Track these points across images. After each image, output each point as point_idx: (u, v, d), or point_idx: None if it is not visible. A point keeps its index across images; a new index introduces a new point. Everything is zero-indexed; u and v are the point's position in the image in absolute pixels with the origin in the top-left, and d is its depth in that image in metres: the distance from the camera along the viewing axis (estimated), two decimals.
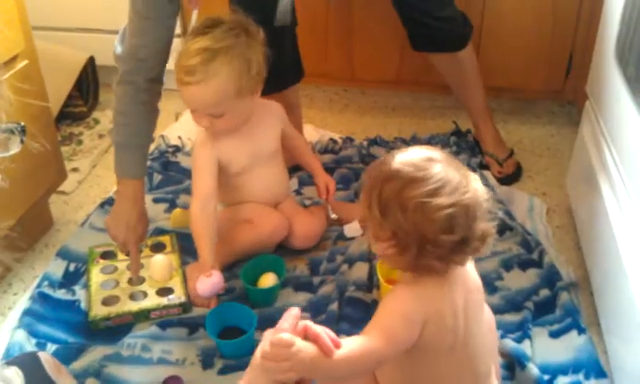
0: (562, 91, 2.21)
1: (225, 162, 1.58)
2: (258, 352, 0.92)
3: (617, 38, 1.48)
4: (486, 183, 1.90)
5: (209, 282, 1.45)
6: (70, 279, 1.61)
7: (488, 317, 1.14)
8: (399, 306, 0.98)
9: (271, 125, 1.63)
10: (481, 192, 0.98)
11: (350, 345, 0.94)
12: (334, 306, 1.48)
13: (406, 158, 0.99)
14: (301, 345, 0.89)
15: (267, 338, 0.91)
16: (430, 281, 1.00)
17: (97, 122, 2.32)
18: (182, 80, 1.45)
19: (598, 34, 1.66)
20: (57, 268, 1.64)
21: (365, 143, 2.13)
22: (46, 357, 1.17)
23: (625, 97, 1.39)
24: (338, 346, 0.92)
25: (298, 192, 1.91)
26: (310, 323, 0.92)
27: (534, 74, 2.16)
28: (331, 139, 2.16)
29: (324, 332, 0.92)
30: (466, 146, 2.08)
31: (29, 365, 1.13)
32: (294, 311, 0.94)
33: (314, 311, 1.50)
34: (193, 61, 1.42)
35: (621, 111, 1.42)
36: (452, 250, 0.96)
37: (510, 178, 1.98)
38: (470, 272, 1.07)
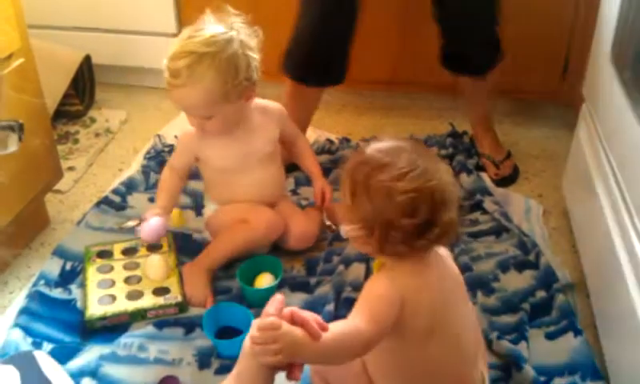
0: (558, 93, 2.21)
1: (208, 158, 1.60)
2: (246, 339, 0.94)
3: (613, 41, 1.49)
4: (482, 185, 1.91)
5: (147, 226, 1.51)
6: (67, 278, 1.61)
7: (470, 306, 1.16)
8: (376, 289, 1.03)
9: (267, 128, 1.63)
10: (448, 182, 1.02)
11: (337, 328, 0.96)
12: (331, 307, 1.48)
13: (378, 146, 1.05)
14: (287, 327, 0.91)
15: (255, 325, 0.93)
16: (405, 266, 1.04)
17: (93, 120, 2.32)
18: (168, 82, 1.46)
19: (594, 36, 1.67)
20: (53, 267, 1.63)
21: (362, 144, 2.13)
22: (41, 356, 1.17)
23: (621, 100, 1.39)
24: (325, 328, 0.94)
25: (294, 192, 1.91)
26: (296, 309, 0.94)
27: (530, 76, 2.16)
28: (328, 139, 2.16)
29: (310, 316, 0.94)
30: (462, 148, 2.09)
31: (25, 364, 1.13)
32: (279, 297, 0.97)
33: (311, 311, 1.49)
34: (179, 64, 1.43)
35: (617, 114, 1.42)
36: (414, 234, 1.00)
37: (507, 180, 1.98)
38: (446, 259, 1.11)
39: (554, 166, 2.05)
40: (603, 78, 1.54)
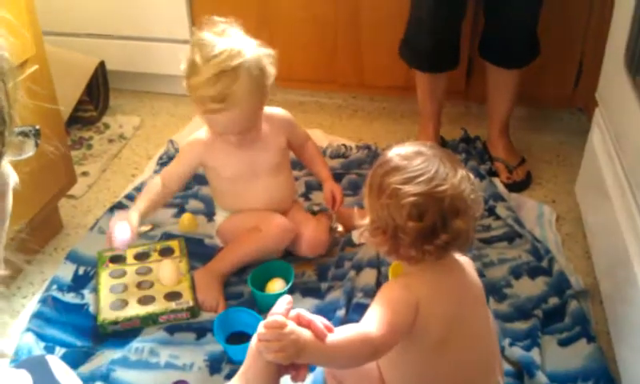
0: (571, 98, 2.20)
1: (215, 167, 1.60)
2: (253, 338, 0.95)
3: (626, 45, 1.47)
4: (495, 190, 1.90)
5: (119, 233, 1.48)
6: (79, 283, 1.62)
7: (488, 316, 1.16)
8: (392, 294, 1.03)
9: (274, 138, 1.62)
10: (463, 189, 1.01)
11: (346, 331, 0.97)
12: (342, 312, 1.47)
13: (398, 150, 1.06)
14: (293, 327, 0.92)
15: (262, 323, 0.95)
16: (421, 273, 1.05)
17: (107, 126, 2.33)
18: (211, 109, 1.43)
19: (607, 41, 1.66)
20: (66, 271, 1.64)
21: (379, 149, 2.11)
22: (54, 360, 1.17)
23: (634, 104, 1.38)
24: (330, 331, 0.95)
25: (306, 197, 1.91)
26: (302, 310, 0.95)
27: (543, 81, 2.15)
28: (343, 144, 2.15)
29: (316, 318, 0.95)
30: (475, 153, 2.08)
31: (37, 368, 1.13)
32: (287, 298, 0.98)
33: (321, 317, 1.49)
34: (217, 87, 1.40)
35: (630, 119, 1.41)
36: (419, 238, 1.00)
37: (520, 185, 1.97)
38: (466, 267, 1.10)
39: (567, 171, 2.03)
40: (616, 82, 1.53)
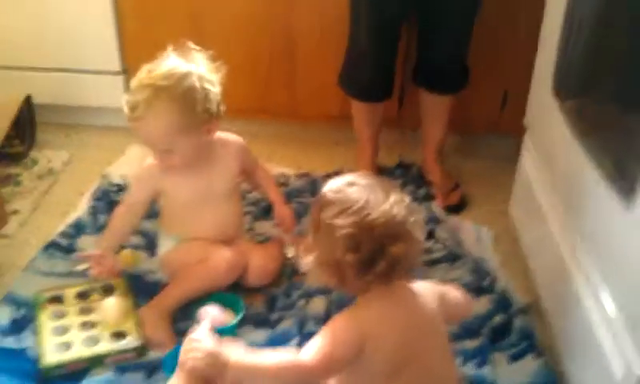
0: (498, 124, 2.29)
1: (169, 192, 1.60)
2: None
3: (554, 71, 1.54)
4: (433, 214, 1.95)
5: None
6: (18, 326, 1.53)
7: (444, 338, 1.17)
8: (334, 326, 1.05)
9: (227, 165, 1.63)
10: (395, 214, 1.02)
11: (278, 356, 1.02)
12: (295, 342, 1.47)
13: (332, 184, 1.08)
14: (210, 341, 1.01)
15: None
16: (370, 303, 1.06)
17: (35, 162, 2.24)
18: (127, 115, 1.48)
19: (534, 68, 1.74)
20: (2, 315, 1.56)
21: (319, 178, 2.12)
22: None
23: (563, 129, 1.45)
24: None
25: (249, 228, 1.89)
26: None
27: (470, 109, 2.22)
28: (282, 173, 2.16)
29: None
30: (411, 179, 2.13)
31: None
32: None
33: (275, 347, 1.48)
34: (137, 97, 1.45)
35: (559, 142, 1.48)
36: (360, 269, 1.02)
37: (455, 209, 2.03)
38: (418, 295, 1.11)
39: (500, 192, 2.08)
40: (545, 108, 1.60)
